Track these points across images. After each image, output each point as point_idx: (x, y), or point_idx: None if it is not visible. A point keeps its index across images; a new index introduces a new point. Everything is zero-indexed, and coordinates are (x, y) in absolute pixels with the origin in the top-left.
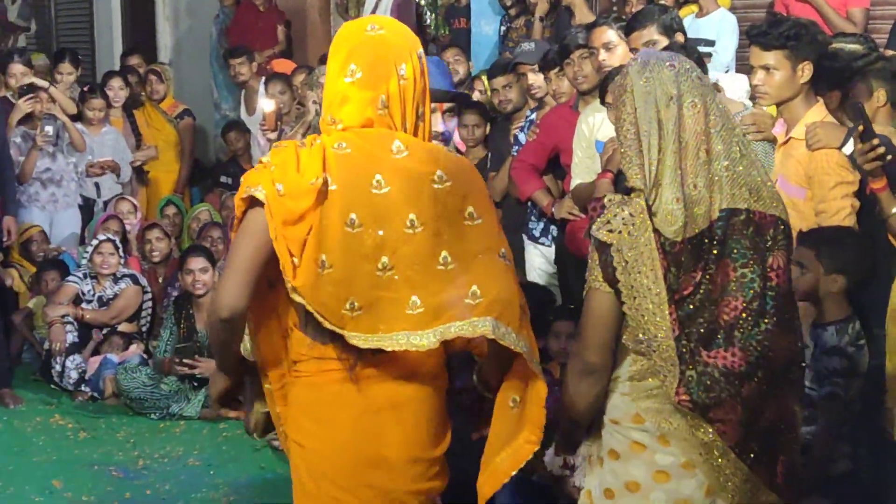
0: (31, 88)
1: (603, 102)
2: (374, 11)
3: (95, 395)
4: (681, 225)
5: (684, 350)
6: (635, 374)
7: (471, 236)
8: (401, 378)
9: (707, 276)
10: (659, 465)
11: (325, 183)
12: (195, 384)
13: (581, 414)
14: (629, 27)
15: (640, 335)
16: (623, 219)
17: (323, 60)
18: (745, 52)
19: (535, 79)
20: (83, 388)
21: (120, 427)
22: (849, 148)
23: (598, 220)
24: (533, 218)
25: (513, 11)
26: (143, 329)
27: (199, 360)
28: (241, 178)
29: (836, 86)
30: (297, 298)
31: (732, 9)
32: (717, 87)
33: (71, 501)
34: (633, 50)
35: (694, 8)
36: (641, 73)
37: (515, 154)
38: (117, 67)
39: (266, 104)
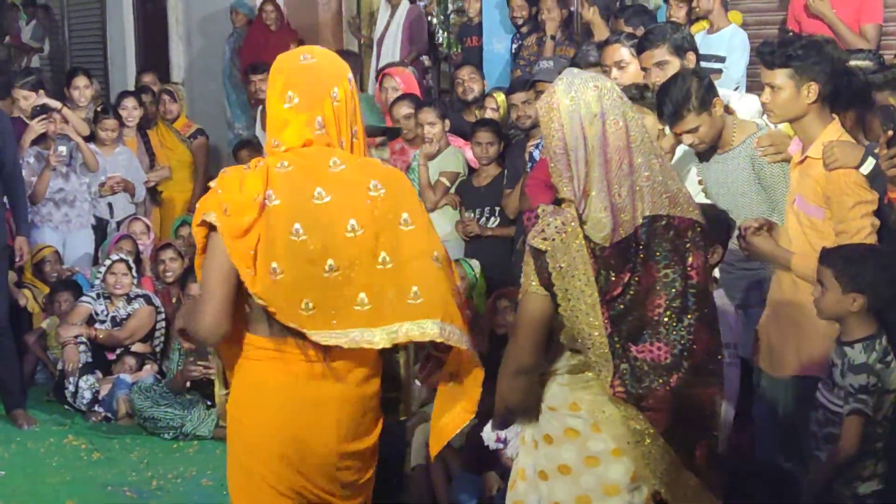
0: (45, 109)
1: None
2: (385, 30)
3: (109, 415)
4: (609, 231)
5: (616, 346)
6: (573, 368)
7: (406, 240)
8: (349, 373)
9: (635, 278)
10: (590, 451)
11: (268, 198)
12: (209, 403)
13: (514, 407)
14: (640, 46)
15: (576, 334)
16: (556, 227)
17: None
18: (758, 70)
19: None
20: (96, 408)
21: (134, 447)
22: (867, 167)
23: (533, 229)
24: None
25: (524, 29)
26: (157, 349)
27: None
28: (196, 206)
29: (852, 104)
30: (260, 303)
31: (744, 25)
32: (728, 109)
33: None
34: (644, 69)
35: (705, 24)
36: (567, 92)
37: (529, 169)
38: (131, 87)
39: None
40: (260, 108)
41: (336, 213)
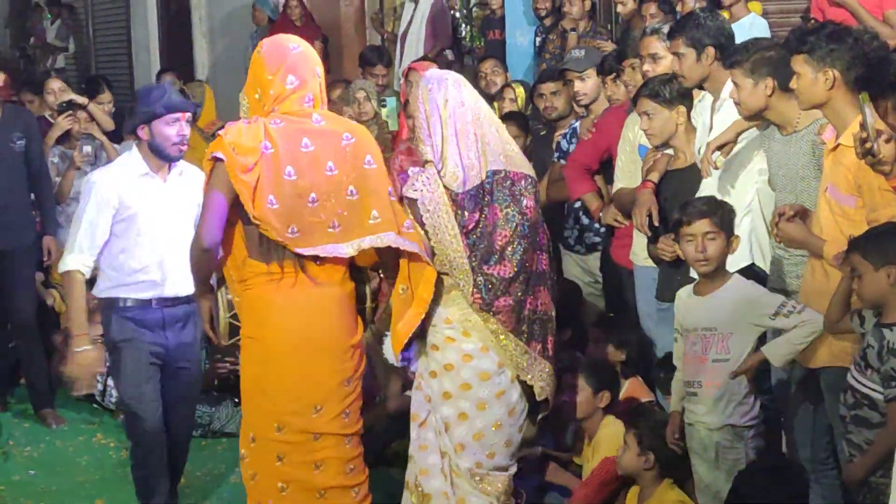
0: (70, 105)
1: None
2: (409, 24)
3: None
4: (461, 181)
5: (473, 265)
6: (444, 290)
7: (369, 176)
8: (323, 284)
9: (483, 216)
10: (465, 351)
11: (265, 147)
12: (236, 401)
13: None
14: (671, 33)
15: (444, 259)
16: (422, 181)
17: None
18: None
19: (581, 86)
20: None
21: None
22: None
23: (406, 184)
24: (567, 226)
25: (547, 22)
26: None
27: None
28: (207, 149)
29: (884, 92)
30: (255, 222)
31: (766, 14)
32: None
33: None
34: (674, 54)
35: (725, 14)
36: (427, 84)
37: (556, 159)
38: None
39: None
40: None
41: (319, 158)
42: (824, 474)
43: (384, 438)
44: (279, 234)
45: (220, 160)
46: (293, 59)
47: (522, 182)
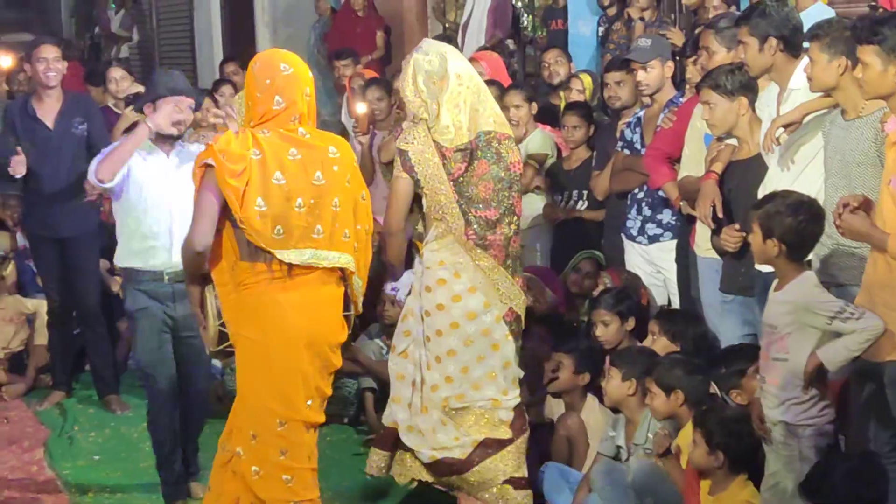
0: (138, 97)
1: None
2: (470, 14)
3: None
4: (451, 138)
5: (463, 207)
6: (438, 236)
7: (348, 194)
8: (318, 283)
9: (471, 168)
10: (455, 292)
11: (254, 154)
12: None
13: (393, 260)
14: (738, 21)
15: (435, 203)
16: (414, 135)
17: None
18: None
19: (645, 77)
20: None
21: (219, 428)
22: None
23: (399, 137)
24: (630, 216)
25: (611, 11)
26: None
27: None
28: (196, 158)
29: None
30: (241, 226)
31: (833, 3)
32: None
33: None
34: (739, 42)
35: (791, 2)
36: (424, 57)
37: (619, 149)
38: (217, 76)
39: (359, 107)
40: (345, 95)
41: (306, 166)
42: (889, 468)
43: None
44: (263, 236)
45: (211, 166)
46: (282, 81)
47: (506, 141)
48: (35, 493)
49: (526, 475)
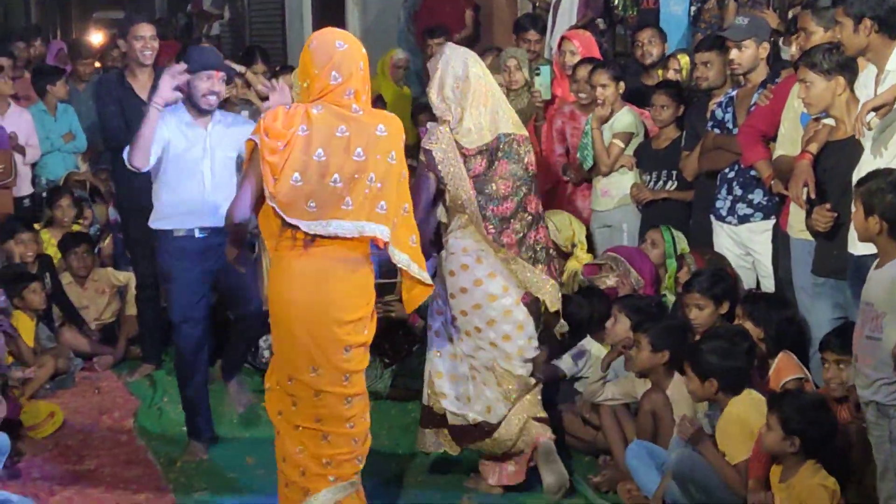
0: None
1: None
2: None
3: None
4: (473, 138)
5: (482, 204)
6: (461, 225)
7: (390, 170)
8: (335, 257)
9: (490, 167)
10: (476, 276)
11: (301, 130)
12: (386, 361)
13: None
14: (836, 1)
15: (456, 197)
16: (438, 136)
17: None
18: None
19: (738, 56)
20: None
21: None
22: None
23: (425, 138)
24: (719, 196)
25: None
26: None
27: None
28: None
29: None
30: (271, 202)
31: None
32: None
33: (262, 479)
34: (837, 22)
35: None
36: (451, 58)
37: (709, 128)
38: None
39: None
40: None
41: (350, 143)
42: None
43: None
44: (297, 209)
45: (256, 143)
46: (339, 56)
47: (525, 143)
48: (125, 463)
49: (545, 415)
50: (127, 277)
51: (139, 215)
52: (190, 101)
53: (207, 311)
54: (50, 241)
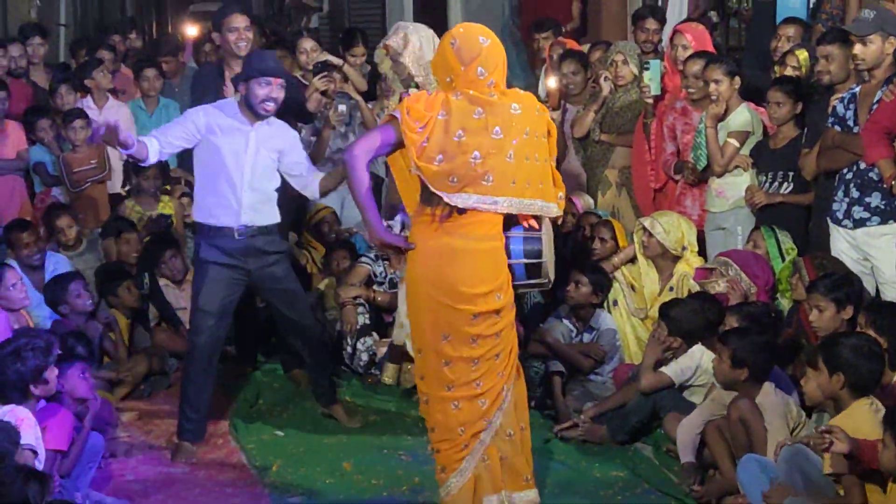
0: (325, 66)
1: None
2: None
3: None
4: None
5: None
6: None
7: (526, 146)
8: (474, 232)
9: None
10: None
11: (441, 115)
12: None
13: None
14: None
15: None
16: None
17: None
18: None
19: (862, 51)
20: (373, 370)
21: (409, 410)
22: None
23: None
24: (836, 198)
25: None
26: None
27: None
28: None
29: None
30: (416, 173)
31: None
32: None
33: (360, 484)
34: None
35: None
36: (422, 35)
37: (829, 125)
38: None
39: (550, 82)
40: (544, 67)
41: (488, 123)
42: None
43: (637, 414)
44: (439, 185)
45: (396, 118)
46: (485, 52)
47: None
48: (219, 466)
49: None
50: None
51: None
52: (246, 103)
53: (232, 310)
54: (134, 209)
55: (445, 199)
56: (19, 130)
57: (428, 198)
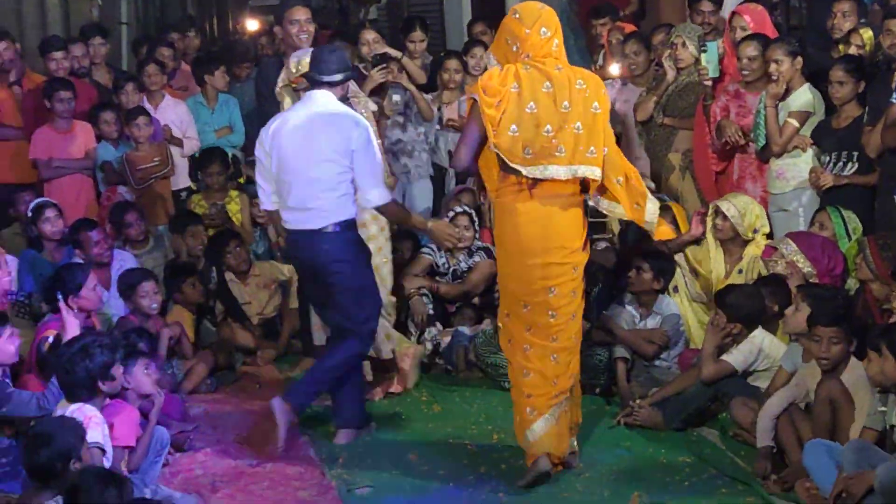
0: (384, 58)
1: None
2: None
3: (449, 367)
4: None
5: None
6: None
7: (593, 119)
8: (553, 196)
9: None
10: None
11: (514, 87)
12: None
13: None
14: None
15: None
16: None
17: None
18: None
19: None
20: (437, 360)
21: (473, 400)
22: None
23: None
24: None
25: None
26: (496, 302)
27: None
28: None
29: None
30: (494, 150)
31: None
32: None
33: (426, 475)
34: None
35: None
36: None
37: (893, 101)
38: (466, 37)
39: (612, 68)
40: (602, 53)
41: (556, 97)
42: None
43: (695, 401)
44: (514, 156)
45: (475, 100)
46: (546, 15)
47: None
48: (286, 459)
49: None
50: (291, 271)
51: None
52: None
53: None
54: (199, 203)
55: (524, 173)
56: (88, 130)
57: (507, 168)
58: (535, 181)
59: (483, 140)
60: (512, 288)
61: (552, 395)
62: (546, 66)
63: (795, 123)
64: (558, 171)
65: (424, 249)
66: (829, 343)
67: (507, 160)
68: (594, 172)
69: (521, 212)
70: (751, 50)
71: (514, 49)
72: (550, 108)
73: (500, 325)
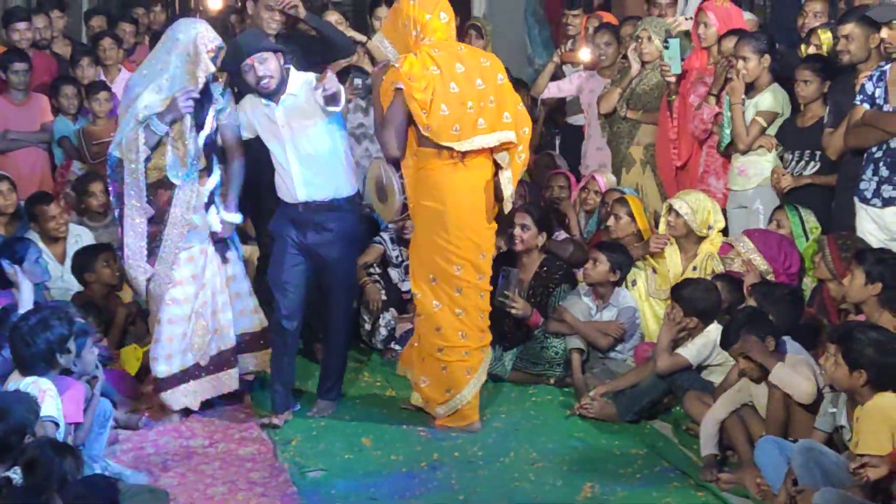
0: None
1: None
2: None
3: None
4: None
5: None
6: None
7: (500, 90)
8: (477, 168)
9: None
10: None
11: (435, 69)
12: (506, 345)
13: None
14: None
15: None
16: None
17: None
18: None
19: (890, 34)
20: (393, 346)
21: None
22: None
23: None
24: (864, 177)
25: None
26: None
27: (516, 299)
28: (383, 79)
29: None
30: (426, 133)
31: None
32: None
33: (379, 460)
34: None
35: None
36: None
37: (858, 102)
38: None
39: (582, 53)
40: (568, 42)
41: (470, 75)
42: None
43: (648, 394)
44: (446, 136)
45: (400, 89)
46: (443, 1)
47: None
48: (239, 439)
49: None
50: (250, 252)
51: (272, 187)
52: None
53: (304, 281)
54: None
55: (457, 148)
56: (44, 103)
57: (436, 145)
58: (465, 153)
59: (408, 125)
60: (442, 254)
61: (483, 349)
62: (450, 47)
63: (763, 123)
64: (484, 140)
65: (377, 238)
66: (741, 359)
67: (438, 140)
68: (510, 136)
69: (458, 181)
70: (731, 45)
71: (415, 34)
72: (468, 86)
73: (416, 293)
